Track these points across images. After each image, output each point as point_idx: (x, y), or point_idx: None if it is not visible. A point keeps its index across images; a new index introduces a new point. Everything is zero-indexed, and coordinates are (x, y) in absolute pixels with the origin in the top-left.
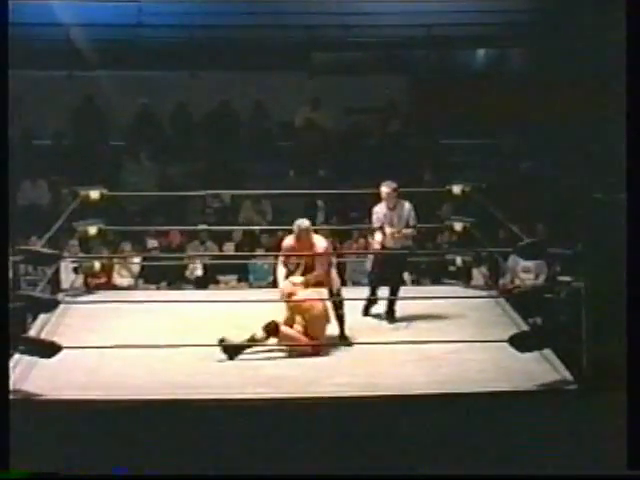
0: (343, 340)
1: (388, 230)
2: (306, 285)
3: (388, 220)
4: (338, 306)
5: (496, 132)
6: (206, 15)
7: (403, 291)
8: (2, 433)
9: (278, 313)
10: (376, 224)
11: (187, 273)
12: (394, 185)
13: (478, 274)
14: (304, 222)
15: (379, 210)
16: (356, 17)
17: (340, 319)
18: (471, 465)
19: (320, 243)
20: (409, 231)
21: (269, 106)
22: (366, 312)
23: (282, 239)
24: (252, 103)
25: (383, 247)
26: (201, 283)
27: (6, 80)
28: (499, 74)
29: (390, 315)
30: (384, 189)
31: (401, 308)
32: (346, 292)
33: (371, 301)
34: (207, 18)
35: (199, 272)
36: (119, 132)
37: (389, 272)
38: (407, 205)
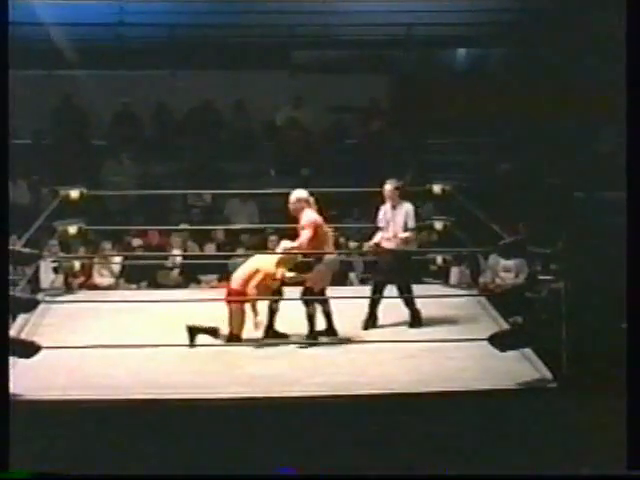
0: (332, 335)
1: (384, 234)
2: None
3: (388, 220)
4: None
5: (478, 131)
6: (187, 14)
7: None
8: (2, 433)
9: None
10: (379, 224)
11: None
12: (396, 184)
13: (458, 273)
14: (296, 192)
15: (382, 209)
16: (338, 16)
17: (327, 316)
18: (451, 463)
19: (306, 216)
20: (405, 235)
21: (251, 105)
22: (366, 325)
23: None
24: (233, 102)
25: (382, 249)
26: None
27: (6, 80)
28: (481, 74)
29: (416, 320)
30: (386, 187)
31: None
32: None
33: (372, 314)
34: (188, 17)
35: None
36: (100, 131)
37: (390, 276)
38: (406, 206)
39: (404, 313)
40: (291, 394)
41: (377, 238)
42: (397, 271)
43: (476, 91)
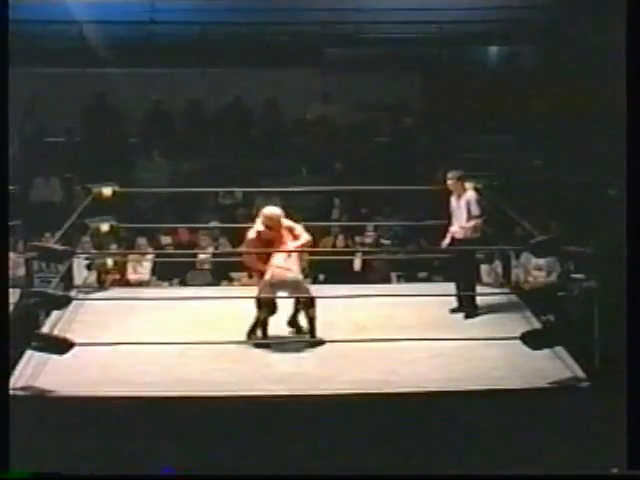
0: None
1: (453, 226)
2: None
3: (454, 210)
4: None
5: (509, 129)
6: (218, 12)
7: (414, 288)
8: (2, 433)
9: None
10: (452, 216)
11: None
12: (457, 174)
13: (489, 271)
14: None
15: (452, 199)
16: (369, 14)
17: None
18: (481, 463)
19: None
20: (469, 224)
21: (281, 103)
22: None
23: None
24: (264, 100)
25: (453, 239)
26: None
27: (6, 80)
28: (512, 71)
29: (471, 311)
30: (448, 175)
31: (415, 305)
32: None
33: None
34: (219, 15)
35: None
36: (132, 129)
37: (457, 267)
38: (469, 194)
39: (428, 309)
40: (321, 392)
41: (450, 234)
42: (457, 267)
43: (507, 88)
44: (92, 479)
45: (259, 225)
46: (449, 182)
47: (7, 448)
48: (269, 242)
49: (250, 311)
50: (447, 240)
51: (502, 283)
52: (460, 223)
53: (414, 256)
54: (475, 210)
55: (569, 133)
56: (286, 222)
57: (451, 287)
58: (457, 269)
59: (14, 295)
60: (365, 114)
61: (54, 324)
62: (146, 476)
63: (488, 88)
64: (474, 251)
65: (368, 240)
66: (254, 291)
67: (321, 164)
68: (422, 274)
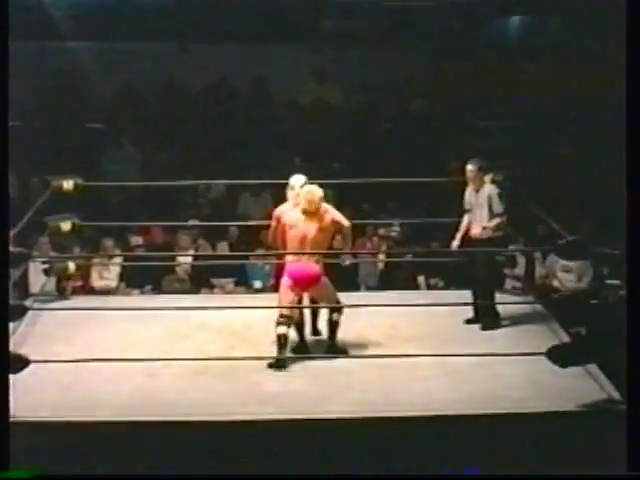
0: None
1: (472, 220)
2: None
3: (472, 204)
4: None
5: (532, 113)
6: None
7: (425, 296)
8: (2, 433)
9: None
10: (466, 207)
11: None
12: (478, 164)
13: (511, 276)
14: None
15: (466, 193)
16: None
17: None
18: None
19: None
20: (492, 224)
21: (270, 83)
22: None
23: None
24: (251, 79)
25: (470, 238)
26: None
27: (6, 79)
28: (537, 46)
29: (489, 321)
30: (468, 167)
31: (424, 314)
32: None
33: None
34: None
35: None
36: (97, 113)
37: (475, 272)
38: (488, 188)
39: (439, 320)
40: (316, 415)
41: (461, 233)
42: (475, 272)
43: (528, 66)
44: (92, 479)
45: (292, 209)
46: (469, 174)
47: (7, 448)
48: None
49: (234, 321)
50: (457, 242)
51: (525, 290)
52: (480, 221)
53: (428, 259)
54: (498, 207)
55: (600, 119)
56: (325, 206)
57: (467, 294)
58: (475, 274)
59: None
60: (366, 96)
61: None
62: (146, 476)
63: (508, 64)
64: (495, 254)
65: (393, 234)
66: (238, 300)
67: (316, 153)
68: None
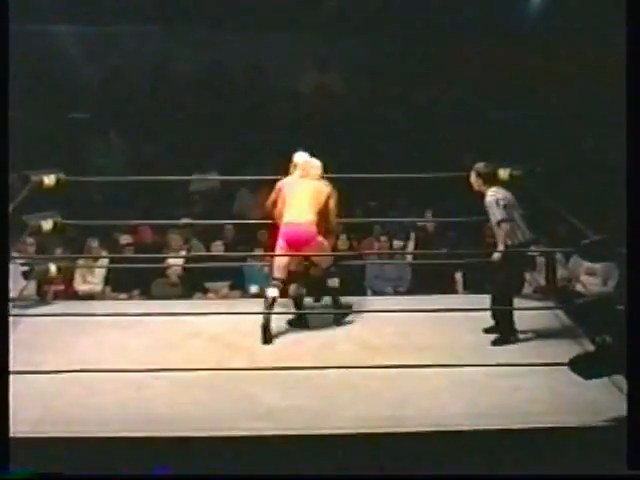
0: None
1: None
2: None
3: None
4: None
5: (552, 102)
6: None
7: (434, 301)
8: (2, 433)
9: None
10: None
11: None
12: (476, 170)
13: (531, 280)
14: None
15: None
16: None
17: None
18: None
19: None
20: (499, 233)
21: (269, 71)
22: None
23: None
24: (248, 67)
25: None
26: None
27: (6, 77)
28: (555, 28)
29: (503, 335)
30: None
31: (437, 321)
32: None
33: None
34: None
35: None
36: (82, 102)
37: (495, 277)
38: (486, 198)
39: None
40: (317, 431)
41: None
42: (495, 277)
43: (550, 52)
44: (92, 479)
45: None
46: (471, 180)
47: (7, 448)
48: (299, 194)
49: (229, 329)
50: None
51: (546, 294)
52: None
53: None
54: (495, 217)
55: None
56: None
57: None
58: (494, 280)
59: None
60: (372, 84)
61: None
62: (146, 476)
63: (528, 51)
64: (514, 262)
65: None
66: (233, 305)
67: (319, 145)
68: None
